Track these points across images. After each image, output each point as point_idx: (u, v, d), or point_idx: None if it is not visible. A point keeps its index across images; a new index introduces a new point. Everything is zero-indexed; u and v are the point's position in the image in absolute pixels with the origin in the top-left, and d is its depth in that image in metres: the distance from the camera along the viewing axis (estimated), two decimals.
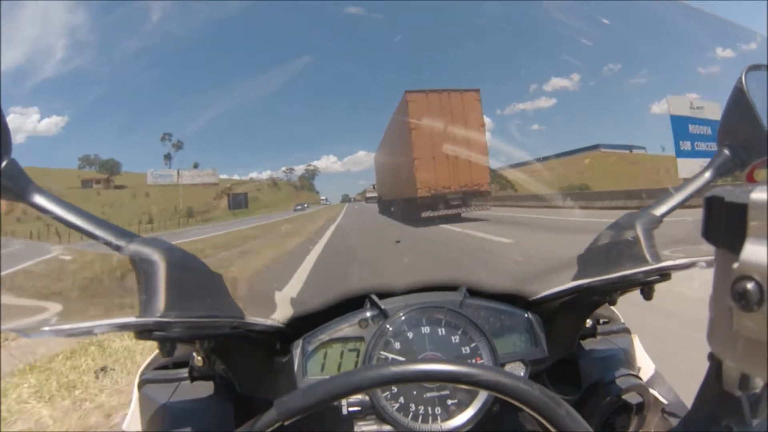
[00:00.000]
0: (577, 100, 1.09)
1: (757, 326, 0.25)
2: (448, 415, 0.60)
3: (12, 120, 0.43)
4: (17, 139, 0.43)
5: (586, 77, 1.07)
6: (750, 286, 0.24)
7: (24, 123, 0.88)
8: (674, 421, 0.64)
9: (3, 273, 0.49)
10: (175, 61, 0.93)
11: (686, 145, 0.97)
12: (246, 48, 0.97)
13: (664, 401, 0.67)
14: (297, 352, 0.63)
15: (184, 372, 0.61)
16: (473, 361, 0.64)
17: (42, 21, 0.78)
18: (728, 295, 0.26)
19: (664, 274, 0.52)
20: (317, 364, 0.63)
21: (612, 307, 0.79)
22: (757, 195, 0.25)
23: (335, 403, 0.57)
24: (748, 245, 0.25)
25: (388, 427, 0.60)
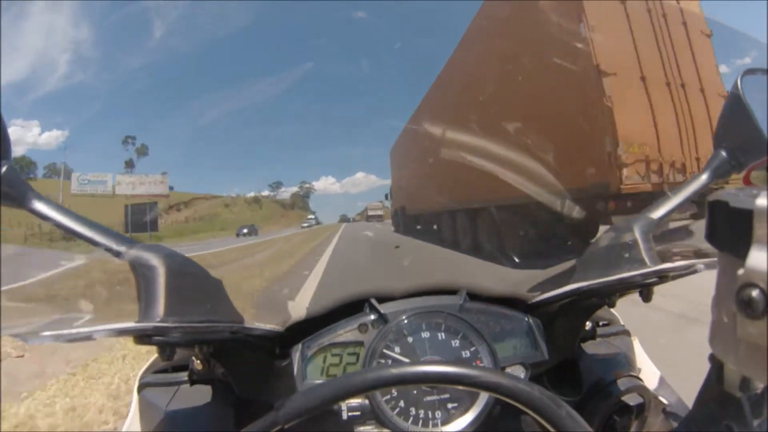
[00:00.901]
0: None
1: (760, 333, 0.25)
2: (449, 418, 0.60)
3: (13, 132, 0.43)
4: (17, 150, 0.42)
5: None
6: (755, 294, 0.24)
7: (25, 135, 0.87)
8: (675, 422, 0.64)
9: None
10: (177, 77, 0.93)
11: None
12: (247, 66, 0.98)
13: (665, 402, 0.67)
14: (296, 357, 0.63)
15: (183, 375, 0.61)
16: (474, 364, 0.64)
17: (46, 34, 0.78)
18: (732, 301, 0.25)
19: (662, 277, 0.52)
20: (317, 369, 0.63)
21: (611, 310, 0.79)
22: (763, 201, 0.24)
23: (335, 408, 0.57)
24: (753, 252, 0.24)
25: (388, 431, 0.59)
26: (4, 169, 0.41)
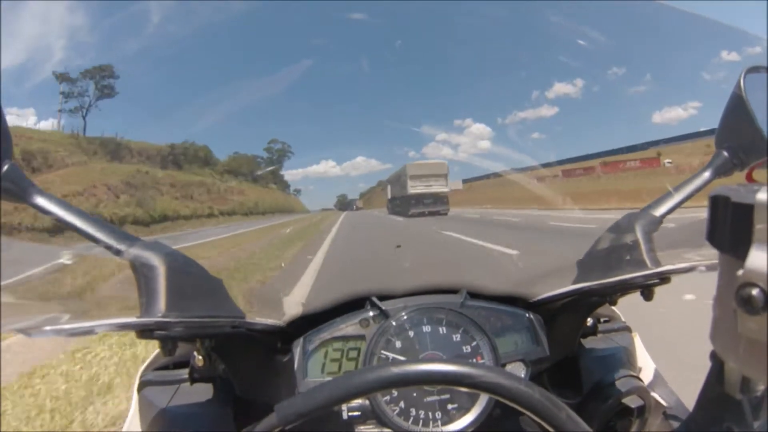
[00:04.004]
0: (579, 107, 1.08)
1: (760, 328, 0.25)
2: (449, 419, 0.60)
3: (9, 121, 0.42)
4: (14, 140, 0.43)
5: (589, 82, 1.06)
6: (755, 292, 0.24)
7: (20, 125, 0.86)
8: (675, 424, 0.64)
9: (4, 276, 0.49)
10: (176, 64, 0.93)
11: None
12: (246, 51, 0.97)
13: (665, 404, 0.68)
14: (297, 351, 0.63)
15: (184, 373, 0.61)
16: (474, 360, 0.64)
17: (42, 20, 0.78)
18: (732, 299, 0.25)
19: (664, 278, 0.52)
20: (318, 363, 0.63)
21: (612, 307, 0.79)
22: (763, 196, 0.24)
23: (335, 408, 0.57)
24: (753, 251, 0.24)
25: (388, 431, 0.60)
26: (5, 167, 0.41)
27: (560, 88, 1.07)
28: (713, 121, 0.64)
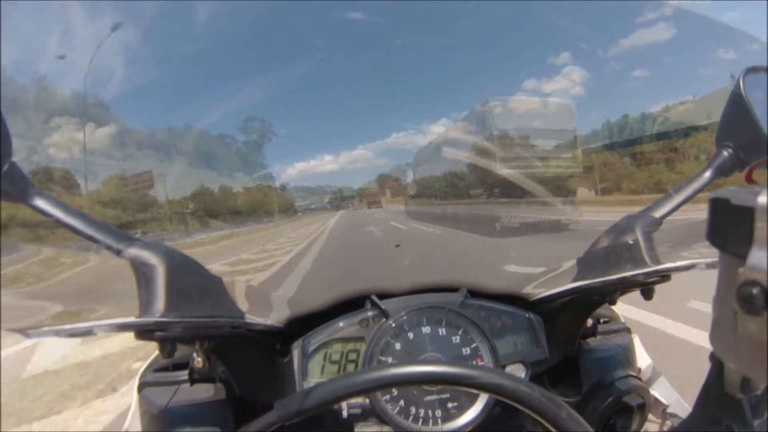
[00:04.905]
0: (576, 100, 1.09)
1: (760, 329, 0.25)
2: (449, 417, 0.60)
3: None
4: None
5: (586, 79, 1.06)
6: (756, 291, 0.24)
7: None
8: (675, 422, 0.64)
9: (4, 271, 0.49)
10: (174, 64, 0.92)
11: None
12: (245, 50, 0.97)
13: (665, 402, 0.68)
14: (297, 353, 0.63)
15: (184, 374, 0.61)
16: (474, 362, 0.64)
17: (36, 19, 0.77)
18: (732, 299, 0.25)
19: (664, 276, 0.52)
20: (317, 365, 0.63)
21: (612, 307, 0.79)
22: (764, 199, 0.24)
23: (335, 406, 0.57)
24: (754, 250, 0.24)
25: (388, 429, 0.60)
26: (5, 167, 0.40)
27: (556, 82, 1.08)
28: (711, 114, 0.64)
